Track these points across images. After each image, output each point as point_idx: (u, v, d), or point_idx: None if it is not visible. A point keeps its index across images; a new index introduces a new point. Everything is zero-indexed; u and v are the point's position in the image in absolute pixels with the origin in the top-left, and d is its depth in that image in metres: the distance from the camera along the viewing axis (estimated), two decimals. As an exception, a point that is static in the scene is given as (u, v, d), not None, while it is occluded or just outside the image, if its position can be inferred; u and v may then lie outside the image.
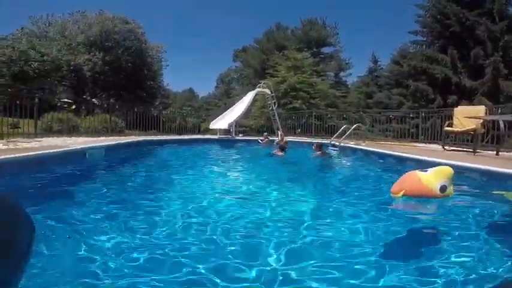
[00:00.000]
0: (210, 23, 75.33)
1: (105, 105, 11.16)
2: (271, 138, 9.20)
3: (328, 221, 2.44)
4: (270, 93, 11.41)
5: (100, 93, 16.23)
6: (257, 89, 11.46)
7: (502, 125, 5.70)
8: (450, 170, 2.82)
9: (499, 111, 7.85)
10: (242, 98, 11.57)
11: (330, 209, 2.79)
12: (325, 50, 26.07)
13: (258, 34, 29.19)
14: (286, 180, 4.20)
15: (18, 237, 0.60)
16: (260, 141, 9.16)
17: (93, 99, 15.36)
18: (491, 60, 15.42)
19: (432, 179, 2.68)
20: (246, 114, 12.25)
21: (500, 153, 5.46)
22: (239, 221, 2.32)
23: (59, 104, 10.51)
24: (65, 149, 4.85)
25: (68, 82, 13.54)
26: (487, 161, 4.31)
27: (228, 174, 4.83)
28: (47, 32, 14.82)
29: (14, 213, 0.62)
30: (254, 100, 12.11)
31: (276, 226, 2.22)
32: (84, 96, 15.26)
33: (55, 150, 4.54)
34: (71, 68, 13.11)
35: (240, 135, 11.08)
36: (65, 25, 15.05)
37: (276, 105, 11.58)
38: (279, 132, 10.26)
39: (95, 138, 7.23)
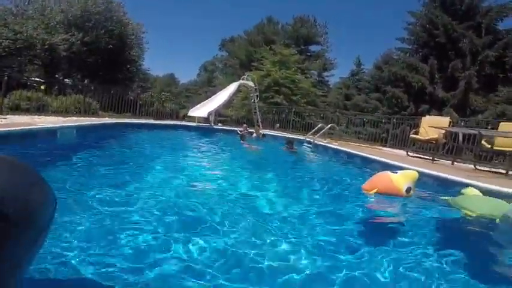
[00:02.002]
0: (199, 9, 73.28)
1: (80, 86, 10.68)
2: (250, 130, 9.33)
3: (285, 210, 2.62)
4: (253, 86, 11.46)
5: (74, 74, 15.50)
6: (241, 81, 11.47)
7: (460, 137, 6.18)
8: (416, 174, 3.15)
9: (462, 123, 8.46)
10: (225, 87, 11.54)
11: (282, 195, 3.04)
12: (312, 48, 26.35)
13: (248, 26, 28.93)
14: (252, 168, 4.61)
15: (43, 210, 0.57)
16: (239, 132, 9.25)
17: (66, 79, 14.65)
18: (466, 73, 16.28)
19: (401, 180, 2.99)
20: (228, 104, 12.25)
21: (456, 163, 5.94)
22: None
23: (28, 83, 9.99)
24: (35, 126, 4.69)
25: (40, 61, 12.87)
26: (440, 169, 4.69)
27: (199, 161, 4.91)
28: (25, 11, 13.92)
29: (38, 184, 0.58)
30: (237, 91, 12.11)
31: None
32: (57, 76, 14.50)
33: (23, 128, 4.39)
34: (45, 47, 12.45)
35: (219, 124, 11.09)
36: (45, 4, 14.14)
37: (257, 99, 11.66)
38: (258, 125, 10.41)
39: (65, 118, 6.98)
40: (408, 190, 2.95)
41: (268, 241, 1.92)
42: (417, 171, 3.46)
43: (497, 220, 2.52)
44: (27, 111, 7.47)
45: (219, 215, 2.29)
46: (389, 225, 2.68)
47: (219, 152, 6.48)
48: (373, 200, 2.98)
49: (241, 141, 7.10)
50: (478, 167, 5.52)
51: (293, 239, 1.99)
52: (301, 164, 5.99)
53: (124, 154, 4.80)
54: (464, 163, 6.25)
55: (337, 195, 3.44)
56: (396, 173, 3.04)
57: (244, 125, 9.92)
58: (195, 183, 3.34)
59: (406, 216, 2.92)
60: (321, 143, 7.79)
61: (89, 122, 6.62)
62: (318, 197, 3.32)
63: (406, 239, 2.24)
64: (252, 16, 66.39)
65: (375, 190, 2.88)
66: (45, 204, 0.58)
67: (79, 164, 3.56)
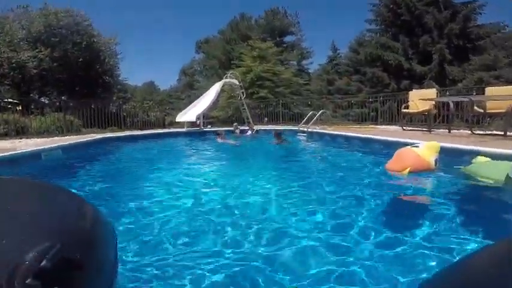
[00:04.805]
0: (169, 14, 71.69)
1: (58, 103, 10.11)
2: (241, 128, 9.19)
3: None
4: (238, 83, 11.30)
5: (49, 91, 14.73)
6: (224, 80, 11.28)
7: (451, 106, 6.29)
8: (438, 145, 3.05)
9: (447, 93, 8.66)
10: (208, 89, 11.31)
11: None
12: (288, 39, 26.38)
13: (221, 25, 28.57)
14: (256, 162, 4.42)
15: (108, 248, 0.48)
16: (232, 132, 9.11)
17: (41, 98, 13.92)
18: (437, 47, 16.81)
19: (428, 153, 2.89)
20: (214, 105, 12.02)
21: (451, 131, 6.05)
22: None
23: (2, 105, 9.39)
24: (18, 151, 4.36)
25: (10, 81, 12.13)
26: (442, 139, 4.73)
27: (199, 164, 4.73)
28: None
29: (100, 222, 0.50)
30: (221, 91, 11.91)
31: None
32: (31, 95, 13.73)
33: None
34: (13, 65, 11.73)
35: (209, 126, 10.88)
36: (3, 21, 13.23)
37: (244, 95, 11.53)
38: (249, 122, 10.29)
39: (49, 139, 6.58)
40: (436, 162, 2.88)
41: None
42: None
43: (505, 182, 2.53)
44: (5, 135, 7.00)
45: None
46: (421, 201, 2.65)
47: (229, 153, 6.27)
48: (401, 178, 2.88)
49: (218, 140, 7.09)
50: (473, 131, 5.64)
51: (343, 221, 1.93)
52: (305, 154, 5.92)
53: (139, 170, 4.43)
54: (458, 130, 6.40)
55: (358, 179, 3.33)
56: (418, 146, 2.93)
57: (235, 124, 9.78)
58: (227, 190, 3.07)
59: (437, 190, 2.88)
60: (316, 130, 7.77)
61: (79, 140, 6.25)
62: (337, 185, 3.22)
63: (441, 212, 2.20)
64: (224, 15, 65.63)
65: (407, 169, 2.73)
66: (109, 242, 0.50)
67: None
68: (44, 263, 0.36)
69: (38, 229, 0.40)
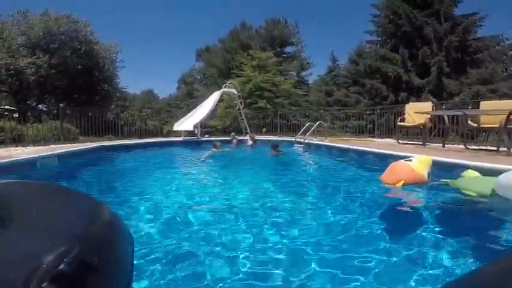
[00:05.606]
0: (170, 22, 72.91)
1: (55, 111, 10.12)
2: (239, 138, 9.21)
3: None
4: (236, 93, 11.38)
5: (47, 99, 14.78)
6: (223, 89, 11.36)
7: (446, 120, 6.32)
8: (431, 158, 3.14)
9: (443, 106, 8.72)
10: (207, 98, 11.38)
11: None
12: (288, 49, 26.70)
13: (222, 33, 29.01)
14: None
15: (125, 253, 0.48)
16: (229, 142, 9.14)
17: (39, 105, 13.96)
18: (436, 59, 16.96)
19: (421, 167, 2.98)
20: (212, 114, 12.08)
21: (446, 145, 6.06)
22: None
23: (-1, 112, 9.47)
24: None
25: (7, 87, 12.20)
26: (436, 153, 4.74)
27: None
28: None
29: (116, 225, 0.49)
30: (219, 100, 11.98)
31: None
32: (29, 102, 13.80)
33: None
34: (11, 72, 11.80)
35: (206, 136, 10.90)
36: (2, 26, 13.35)
37: (242, 105, 11.58)
38: (247, 132, 10.31)
39: (45, 147, 6.58)
40: (429, 175, 2.97)
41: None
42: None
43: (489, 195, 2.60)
44: (1, 143, 6.99)
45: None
46: (412, 212, 2.69)
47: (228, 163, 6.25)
48: (394, 190, 2.94)
49: (214, 150, 7.14)
50: (467, 146, 5.65)
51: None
52: (300, 165, 5.90)
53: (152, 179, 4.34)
54: (453, 144, 6.41)
55: (351, 190, 3.35)
56: (411, 160, 3.00)
57: (232, 134, 9.82)
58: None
59: (426, 202, 2.93)
60: (313, 142, 7.78)
61: (69, 149, 6.25)
62: (334, 196, 3.22)
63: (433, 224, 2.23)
64: (224, 24, 66.80)
65: (401, 182, 2.82)
66: (127, 247, 0.50)
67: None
68: (61, 266, 0.36)
69: (56, 232, 0.40)
